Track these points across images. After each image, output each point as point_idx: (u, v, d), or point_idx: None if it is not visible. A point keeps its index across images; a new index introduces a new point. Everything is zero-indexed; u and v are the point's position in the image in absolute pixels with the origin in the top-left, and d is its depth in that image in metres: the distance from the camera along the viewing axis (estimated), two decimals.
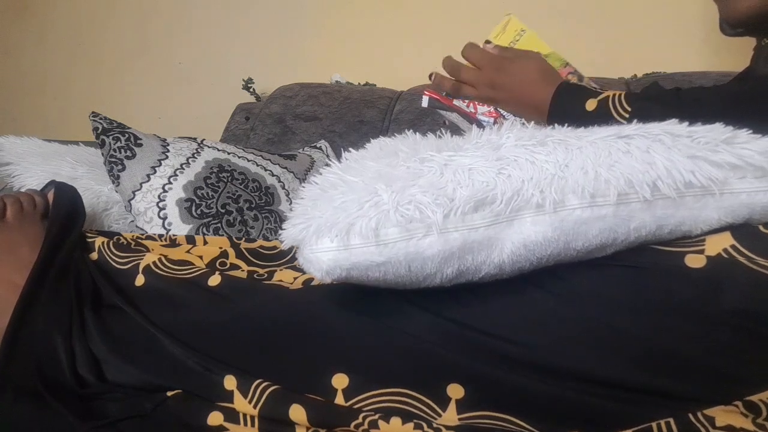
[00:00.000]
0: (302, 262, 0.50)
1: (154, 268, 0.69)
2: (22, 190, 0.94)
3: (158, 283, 0.68)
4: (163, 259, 0.71)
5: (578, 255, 0.52)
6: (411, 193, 0.48)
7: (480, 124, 0.91)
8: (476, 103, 0.92)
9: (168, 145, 0.98)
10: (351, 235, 0.47)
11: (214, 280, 0.66)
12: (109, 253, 0.73)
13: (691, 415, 0.48)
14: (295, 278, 0.69)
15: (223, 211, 0.92)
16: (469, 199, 0.48)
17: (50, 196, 0.81)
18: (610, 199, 0.48)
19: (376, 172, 0.50)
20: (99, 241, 0.74)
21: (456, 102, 0.92)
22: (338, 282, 0.51)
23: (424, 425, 0.52)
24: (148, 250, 0.74)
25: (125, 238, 0.78)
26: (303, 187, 0.52)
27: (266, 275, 0.72)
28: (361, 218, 0.47)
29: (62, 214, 0.77)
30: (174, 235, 0.79)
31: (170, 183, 0.92)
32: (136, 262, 0.71)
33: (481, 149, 0.51)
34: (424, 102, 0.92)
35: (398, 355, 0.55)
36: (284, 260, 0.76)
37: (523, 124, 0.53)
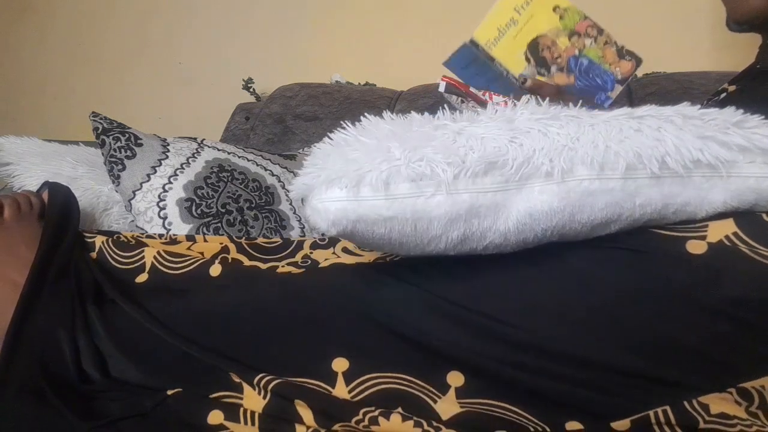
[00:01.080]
0: (310, 212, 0.50)
1: (156, 264, 0.70)
2: (21, 190, 0.94)
3: (160, 279, 0.68)
4: (163, 253, 0.71)
5: (582, 229, 0.52)
6: (424, 152, 0.48)
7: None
8: (491, 92, 0.92)
9: (168, 144, 0.98)
10: (361, 186, 0.47)
11: (215, 270, 0.66)
12: (109, 250, 0.73)
13: (686, 403, 0.49)
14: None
15: (223, 210, 0.92)
16: (480, 161, 0.48)
17: (45, 196, 0.81)
18: (619, 171, 0.48)
19: (390, 132, 0.50)
20: (99, 240, 0.74)
21: (472, 89, 0.91)
22: (343, 235, 0.50)
23: (424, 423, 0.52)
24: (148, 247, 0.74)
25: (125, 237, 0.78)
26: (315, 145, 0.52)
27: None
28: (373, 171, 0.47)
29: (57, 212, 0.77)
30: (174, 235, 0.80)
31: (170, 183, 0.92)
32: (138, 260, 0.71)
33: (495, 121, 0.51)
34: (441, 87, 0.91)
35: (398, 340, 0.55)
36: (285, 254, 0.77)
37: (538, 101, 0.53)
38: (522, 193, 0.49)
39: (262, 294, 0.62)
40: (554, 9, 0.94)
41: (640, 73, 1.40)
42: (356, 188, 0.47)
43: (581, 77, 0.96)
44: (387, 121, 0.52)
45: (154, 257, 0.70)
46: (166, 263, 0.70)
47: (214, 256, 0.75)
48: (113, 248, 0.73)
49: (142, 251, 0.71)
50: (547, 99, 0.54)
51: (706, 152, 0.48)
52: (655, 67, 1.40)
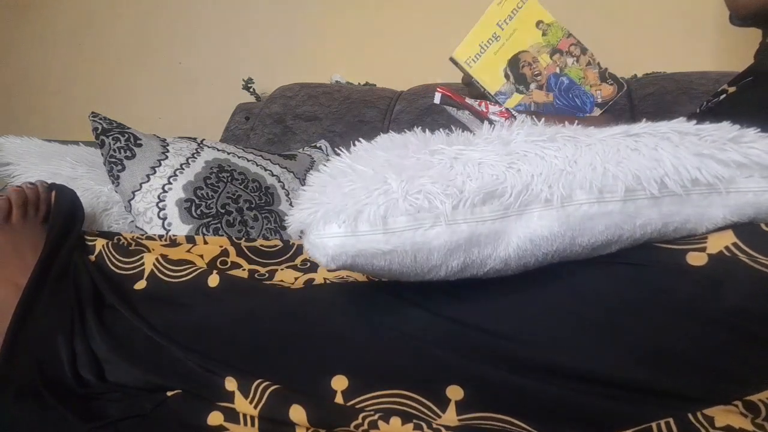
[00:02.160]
0: (308, 247, 0.50)
1: (155, 271, 0.69)
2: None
3: (158, 286, 0.68)
4: (161, 260, 0.70)
5: (583, 251, 0.51)
6: (420, 183, 0.47)
7: (491, 124, 0.90)
8: (488, 102, 0.91)
9: (168, 145, 0.98)
10: (359, 221, 0.47)
11: (213, 281, 0.66)
12: (109, 255, 0.73)
13: (690, 415, 0.48)
14: (296, 278, 0.69)
15: (222, 211, 0.92)
16: (479, 191, 0.47)
17: (51, 197, 0.81)
18: (618, 194, 0.48)
19: (385, 161, 0.49)
20: (99, 243, 0.74)
21: (468, 100, 0.90)
22: (342, 269, 0.50)
23: (424, 426, 0.52)
24: (148, 250, 0.74)
25: (125, 239, 0.78)
26: (311, 175, 0.52)
27: (267, 275, 0.72)
28: (370, 205, 0.47)
29: (62, 215, 0.77)
30: (174, 236, 0.80)
31: (170, 183, 0.92)
32: (137, 266, 0.71)
33: (491, 144, 0.50)
34: (437, 98, 0.90)
35: (397, 356, 0.55)
36: (285, 258, 0.76)
37: (534, 121, 0.53)
38: (522, 219, 0.49)
39: (259, 310, 0.62)
40: (537, 24, 0.93)
41: (640, 73, 1.40)
42: (354, 224, 0.47)
43: (560, 96, 0.95)
44: (382, 146, 0.52)
45: (154, 264, 0.70)
46: (165, 271, 0.69)
47: (215, 260, 0.75)
48: (113, 252, 0.73)
49: (142, 257, 0.71)
50: (543, 119, 0.54)
51: (704, 171, 0.48)
52: (655, 67, 1.40)
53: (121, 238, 0.78)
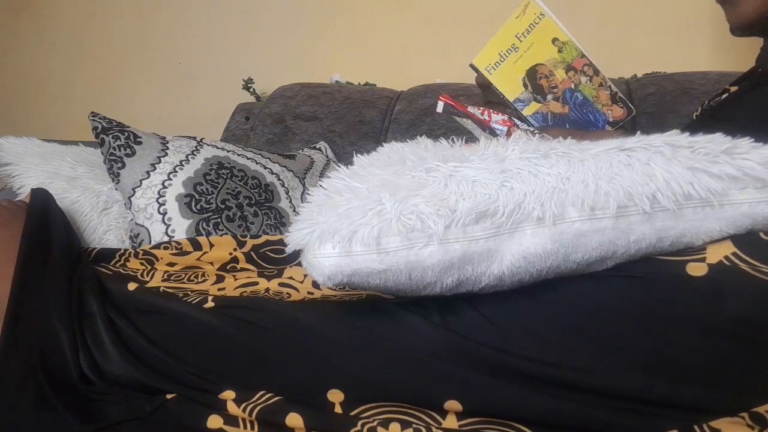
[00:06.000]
0: (306, 266, 0.51)
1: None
2: (21, 190, 0.94)
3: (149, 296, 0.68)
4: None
5: (578, 267, 0.52)
6: (414, 203, 0.48)
7: (493, 132, 0.91)
8: (491, 111, 0.92)
9: (167, 142, 0.98)
10: (353, 242, 0.48)
11: (209, 305, 0.66)
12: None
13: (696, 427, 0.48)
14: (305, 275, 0.70)
15: (222, 206, 0.92)
16: (471, 211, 0.48)
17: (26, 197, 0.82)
18: (610, 211, 0.48)
19: (381, 180, 0.50)
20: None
21: (470, 109, 0.91)
22: (339, 287, 0.51)
23: (424, 430, 0.52)
24: (156, 260, 0.73)
25: (129, 256, 0.77)
26: (309, 192, 0.53)
27: (276, 272, 0.73)
28: (364, 226, 0.48)
29: (39, 204, 0.78)
30: (179, 243, 0.79)
31: (170, 179, 0.93)
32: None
33: (486, 161, 0.51)
34: (439, 107, 0.92)
35: (395, 370, 0.55)
36: (294, 264, 0.77)
37: (534, 133, 0.53)
38: (514, 237, 0.49)
39: (255, 323, 0.61)
40: (553, 41, 0.95)
41: (640, 73, 1.40)
42: (348, 244, 0.48)
43: (575, 110, 0.98)
44: (380, 162, 0.53)
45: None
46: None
47: (225, 266, 0.74)
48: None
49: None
50: (537, 135, 0.53)
51: (697, 185, 0.48)
52: (655, 67, 1.40)
53: (121, 258, 0.77)
